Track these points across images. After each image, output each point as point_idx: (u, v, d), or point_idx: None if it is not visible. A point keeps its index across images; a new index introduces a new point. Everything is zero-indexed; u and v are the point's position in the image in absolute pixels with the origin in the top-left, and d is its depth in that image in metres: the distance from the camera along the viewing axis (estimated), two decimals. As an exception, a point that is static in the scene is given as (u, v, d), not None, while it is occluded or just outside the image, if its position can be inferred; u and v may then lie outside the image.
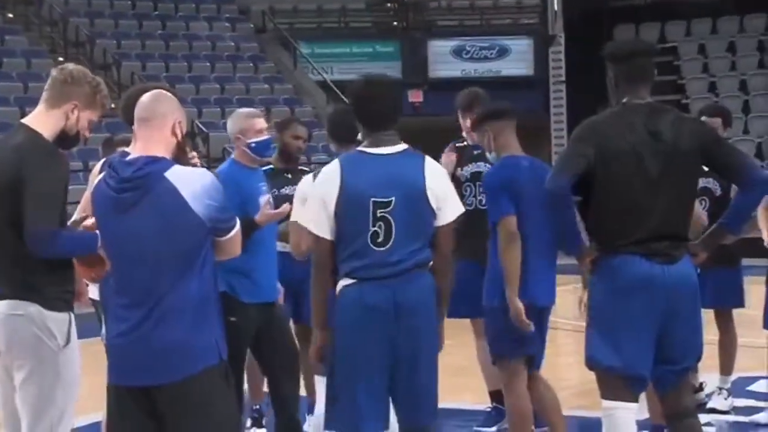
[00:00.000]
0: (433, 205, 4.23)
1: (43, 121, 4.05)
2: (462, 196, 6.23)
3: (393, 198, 4.17)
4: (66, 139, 4.11)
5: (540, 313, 5.23)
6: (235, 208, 5.21)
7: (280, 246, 5.57)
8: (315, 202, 4.27)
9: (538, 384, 5.37)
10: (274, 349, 5.42)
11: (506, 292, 5.07)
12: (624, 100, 4.42)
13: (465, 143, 6.43)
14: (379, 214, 4.16)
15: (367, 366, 4.19)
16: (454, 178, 6.02)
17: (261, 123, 5.44)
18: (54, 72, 4.12)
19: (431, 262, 4.31)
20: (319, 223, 4.24)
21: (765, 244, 6.58)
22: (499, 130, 5.27)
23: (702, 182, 6.37)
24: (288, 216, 5.04)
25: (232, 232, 3.72)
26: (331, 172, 4.27)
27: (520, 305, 5.04)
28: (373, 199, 4.17)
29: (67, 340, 3.98)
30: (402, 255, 4.18)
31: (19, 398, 3.98)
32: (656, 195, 4.30)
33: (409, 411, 4.28)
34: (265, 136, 5.43)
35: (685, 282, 4.33)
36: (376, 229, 4.16)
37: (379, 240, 4.17)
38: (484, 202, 5.74)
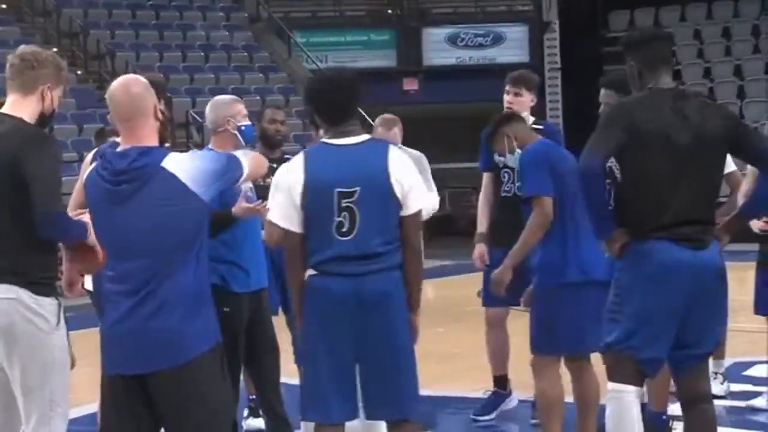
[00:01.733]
0: (398, 194, 4.23)
1: (22, 109, 4.09)
2: (500, 183, 6.25)
3: (357, 188, 4.18)
4: (45, 120, 4.17)
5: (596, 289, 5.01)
6: (215, 199, 5.23)
7: None
8: (282, 194, 4.29)
9: (581, 374, 5.25)
10: (257, 335, 5.45)
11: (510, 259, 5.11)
12: (649, 86, 4.45)
13: None
14: (343, 204, 4.18)
15: (332, 356, 4.20)
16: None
17: (244, 108, 5.46)
18: (14, 59, 4.13)
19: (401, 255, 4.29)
20: (287, 216, 4.27)
21: (755, 230, 6.60)
22: (517, 130, 5.35)
23: None
24: None
25: (246, 171, 3.82)
26: (296, 164, 4.30)
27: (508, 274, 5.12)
28: (337, 189, 4.18)
29: (57, 321, 4.02)
30: (367, 245, 4.19)
31: (15, 380, 4.01)
32: (684, 178, 4.33)
33: (375, 404, 4.27)
34: (248, 122, 5.45)
35: (713, 268, 4.36)
36: (341, 219, 4.18)
37: (344, 230, 4.19)
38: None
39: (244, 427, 6.34)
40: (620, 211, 4.41)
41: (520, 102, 6.24)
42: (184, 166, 3.64)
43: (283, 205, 4.27)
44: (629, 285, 4.36)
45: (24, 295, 3.96)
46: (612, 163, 4.42)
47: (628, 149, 4.32)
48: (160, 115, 3.74)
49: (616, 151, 4.34)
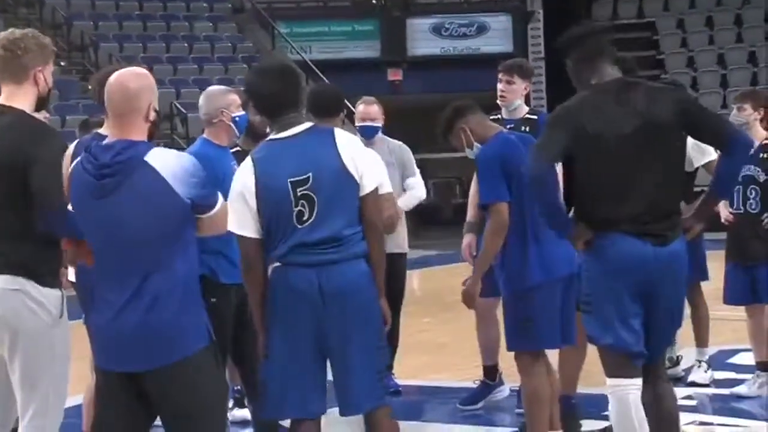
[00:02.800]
0: (354, 174, 4.16)
1: (19, 98, 4.07)
2: None
3: (309, 174, 4.12)
4: (43, 101, 4.17)
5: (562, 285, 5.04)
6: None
7: None
8: (236, 200, 4.18)
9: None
10: (244, 325, 5.46)
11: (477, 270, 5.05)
12: (592, 83, 4.42)
13: (498, 116, 6.32)
14: (299, 193, 4.11)
15: (296, 350, 4.14)
16: None
17: (238, 98, 5.45)
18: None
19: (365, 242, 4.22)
20: (242, 221, 4.17)
21: (722, 220, 6.64)
22: (471, 123, 5.17)
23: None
24: None
25: (216, 208, 3.72)
26: (245, 167, 4.23)
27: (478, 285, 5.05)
28: (290, 179, 4.12)
29: (60, 314, 4.01)
30: (327, 229, 4.12)
31: (15, 371, 4.00)
32: (640, 171, 4.30)
33: (344, 395, 4.21)
34: (242, 112, 5.44)
35: (675, 263, 4.35)
36: (300, 208, 4.12)
37: (304, 218, 4.12)
38: None
39: (230, 418, 6.35)
40: (579, 207, 4.40)
41: (512, 90, 6.20)
42: (168, 162, 3.61)
43: (238, 210, 4.15)
44: (594, 279, 4.37)
45: (29, 286, 3.95)
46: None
47: (578, 150, 4.30)
48: (153, 116, 3.71)
49: (564, 154, 4.32)
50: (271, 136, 4.31)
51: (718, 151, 4.53)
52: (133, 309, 3.59)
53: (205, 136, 5.49)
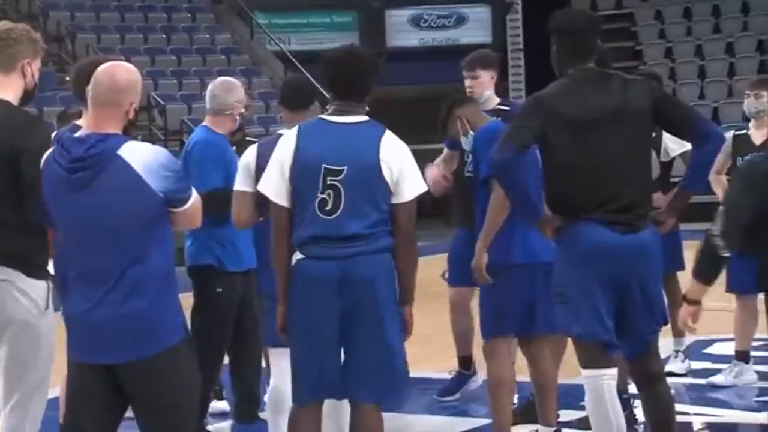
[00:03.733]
0: (388, 180, 4.16)
1: (6, 89, 4.07)
2: (464, 164, 6.18)
3: (345, 167, 4.12)
4: (29, 95, 4.16)
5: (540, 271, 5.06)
6: (220, 178, 5.29)
7: None
8: (274, 168, 4.23)
9: (537, 356, 5.21)
10: (244, 314, 5.50)
11: (478, 244, 5.03)
12: (569, 72, 4.44)
13: None
14: (329, 182, 4.12)
15: (317, 339, 4.16)
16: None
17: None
18: None
19: (392, 242, 4.23)
20: (277, 190, 4.21)
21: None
22: (470, 113, 5.32)
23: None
24: None
25: (189, 203, 3.70)
26: (289, 137, 4.26)
27: (484, 259, 5.00)
28: (324, 165, 4.13)
29: (46, 306, 4.02)
30: (349, 227, 4.12)
31: (0, 361, 4.00)
32: (611, 160, 4.32)
33: (353, 387, 4.22)
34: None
35: (644, 251, 4.35)
36: (324, 196, 4.12)
37: (327, 208, 4.12)
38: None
39: (209, 410, 6.34)
40: (550, 195, 4.42)
41: (479, 84, 6.21)
42: (141, 155, 3.59)
43: (274, 177, 4.21)
44: (565, 267, 4.39)
45: (15, 276, 3.95)
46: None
47: (551, 136, 4.32)
48: (132, 115, 3.69)
49: (534, 141, 4.33)
50: (323, 116, 4.32)
51: (690, 143, 4.56)
52: (108, 302, 3.58)
53: (207, 124, 5.60)
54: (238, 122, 5.61)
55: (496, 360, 5.13)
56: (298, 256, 4.21)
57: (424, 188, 4.28)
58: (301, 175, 4.15)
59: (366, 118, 4.30)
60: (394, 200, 4.19)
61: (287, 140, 4.25)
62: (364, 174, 4.14)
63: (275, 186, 4.21)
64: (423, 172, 6.08)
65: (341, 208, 4.12)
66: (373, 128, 4.28)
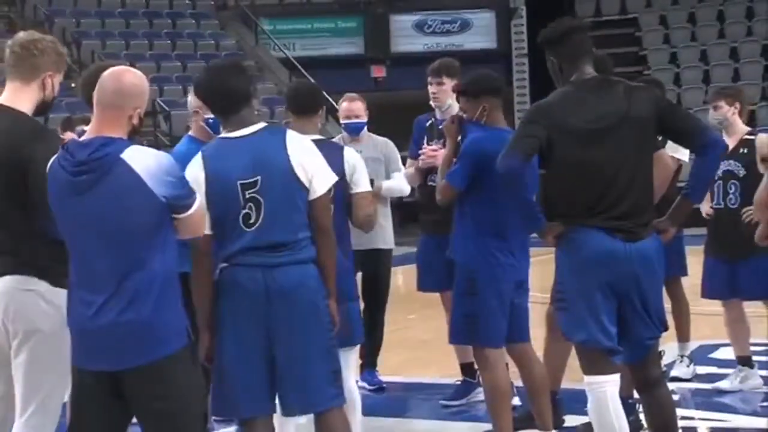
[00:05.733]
0: (303, 179, 4.14)
1: (22, 98, 4.07)
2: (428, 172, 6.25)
3: (258, 177, 4.10)
4: (45, 107, 4.17)
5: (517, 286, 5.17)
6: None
7: None
8: None
9: (525, 359, 5.24)
10: None
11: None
12: (572, 79, 4.44)
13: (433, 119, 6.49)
14: (248, 195, 4.09)
15: (243, 349, 4.10)
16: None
17: None
18: (15, 47, 4.10)
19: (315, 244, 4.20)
20: None
21: (704, 215, 6.67)
22: (494, 106, 5.22)
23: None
24: None
25: (193, 209, 3.71)
26: (195, 163, 4.20)
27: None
28: (239, 181, 4.10)
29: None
30: (274, 234, 4.10)
31: (19, 368, 3.99)
32: (614, 167, 4.32)
33: (288, 396, 4.17)
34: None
35: (644, 259, 4.35)
36: (247, 210, 4.09)
37: (251, 221, 4.10)
38: None
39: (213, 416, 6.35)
40: (552, 202, 4.42)
41: (443, 91, 6.35)
42: (144, 160, 3.59)
43: None
44: (566, 273, 4.40)
45: (41, 286, 3.95)
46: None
47: (553, 145, 4.32)
48: (136, 120, 3.69)
49: (537, 149, 4.33)
50: (223, 134, 4.28)
51: (693, 152, 4.57)
52: (111, 307, 3.57)
53: (191, 133, 5.58)
54: (213, 130, 5.38)
55: (487, 367, 5.14)
56: (222, 265, 4.16)
57: (334, 179, 4.25)
58: (219, 197, 4.10)
59: (263, 124, 4.26)
60: (311, 197, 4.17)
61: (194, 167, 4.17)
62: (279, 179, 4.11)
63: None
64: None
65: (262, 216, 4.10)
66: (274, 131, 4.26)
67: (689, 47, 23.68)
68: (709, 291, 6.71)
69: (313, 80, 10.43)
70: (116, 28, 21.92)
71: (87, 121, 4.81)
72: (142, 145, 3.77)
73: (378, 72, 23.76)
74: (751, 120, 19.39)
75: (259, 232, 4.09)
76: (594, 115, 4.33)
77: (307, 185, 4.15)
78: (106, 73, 3.73)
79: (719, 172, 6.44)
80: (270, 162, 4.12)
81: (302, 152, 4.18)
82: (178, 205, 3.65)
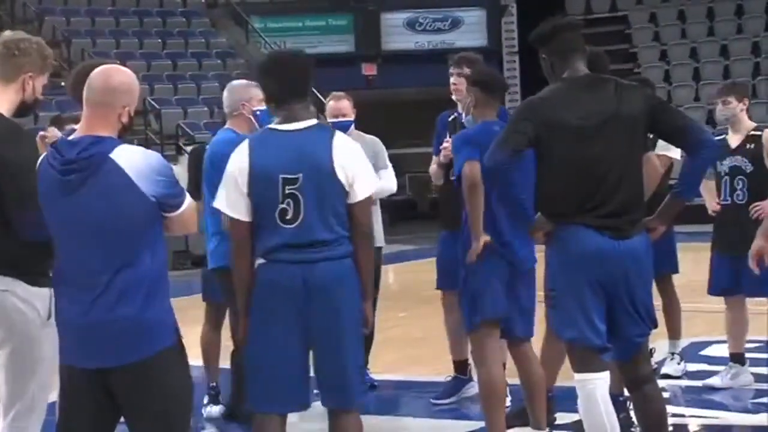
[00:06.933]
0: (344, 182, 4.17)
1: (1, 97, 4.04)
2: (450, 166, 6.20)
3: (300, 174, 4.13)
4: (26, 108, 4.14)
5: (518, 275, 5.11)
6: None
7: None
8: (228, 182, 4.22)
9: (523, 358, 5.23)
10: None
11: (472, 234, 5.01)
12: (563, 77, 4.44)
13: (455, 114, 6.41)
14: (287, 191, 4.12)
15: (282, 345, 4.15)
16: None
17: (260, 93, 5.55)
18: None
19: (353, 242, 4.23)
20: (234, 204, 4.20)
21: (710, 212, 6.67)
22: (485, 102, 5.23)
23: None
24: None
25: (183, 207, 3.70)
26: (241, 150, 4.24)
27: (482, 240, 4.96)
28: (281, 175, 4.13)
29: (49, 315, 3.99)
30: (312, 233, 4.13)
31: (0, 371, 3.99)
32: (605, 164, 4.32)
33: (327, 391, 4.24)
34: (263, 106, 5.54)
35: (634, 256, 4.35)
36: (284, 206, 4.12)
37: (288, 217, 4.13)
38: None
39: (204, 414, 6.35)
40: (542, 199, 4.43)
41: (464, 82, 6.26)
42: (133, 159, 3.58)
43: (230, 192, 4.20)
44: (556, 271, 4.40)
45: (17, 286, 3.94)
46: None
47: (542, 141, 4.33)
48: (126, 119, 3.68)
49: (526, 145, 4.34)
50: (273, 125, 4.31)
51: (683, 150, 4.57)
52: (98, 306, 3.56)
53: (229, 125, 5.75)
54: (258, 123, 5.59)
55: (482, 363, 5.14)
56: (260, 261, 4.21)
57: (376, 186, 4.31)
58: (260, 187, 4.15)
59: (314, 121, 4.30)
60: (350, 200, 4.20)
61: (239, 154, 4.23)
62: (320, 179, 4.14)
63: (232, 201, 4.20)
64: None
65: (302, 215, 4.13)
66: (323, 131, 4.29)
67: (679, 45, 23.72)
68: (715, 287, 6.67)
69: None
70: (106, 27, 21.87)
71: (77, 120, 4.77)
72: (132, 143, 3.76)
73: (369, 70, 23.76)
74: (741, 117, 19.41)
75: (297, 230, 4.13)
76: (584, 112, 4.33)
77: (347, 188, 4.18)
78: (95, 71, 3.72)
79: (726, 168, 6.48)
80: (313, 160, 4.15)
81: (346, 154, 4.20)
82: (168, 204, 3.64)
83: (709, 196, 6.64)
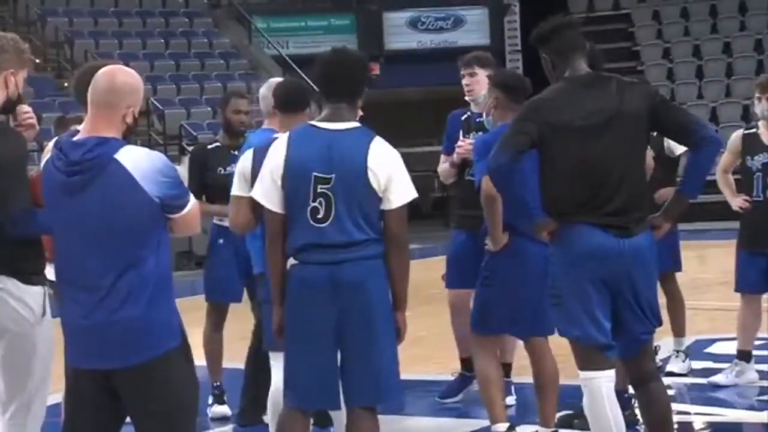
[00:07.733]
0: (376, 188, 4.15)
1: None
2: (467, 167, 6.15)
3: (333, 175, 4.14)
4: (11, 105, 4.14)
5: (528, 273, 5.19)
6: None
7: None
8: (266, 175, 4.26)
9: (539, 354, 5.28)
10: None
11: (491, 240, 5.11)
12: (565, 76, 4.44)
13: (468, 113, 6.39)
14: (319, 190, 4.13)
15: (311, 345, 4.18)
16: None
17: None
18: None
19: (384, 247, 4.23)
20: (268, 195, 4.23)
21: (735, 209, 6.62)
22: (507, 104, 5.25)
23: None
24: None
25: (187, 209, 3.70)
26: (280, 144, 4.28)
27: (501, 245, 5.09)
28: (314, 173, 4.15)
29: (43, 312, 4.01)
30: (342, 234, 4.14)
31: None
32: (608, 163, 4.32)
33: (357, 390, 4.23)
34: None
35: (638, 254, 4.35)
36: (316, 204, 4.14)
37: (319, 216, 4.15)
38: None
39: (209, 414, 6.35)
40: (546, 197, 4.43)
41: (477, 82, 6.24)
42: (137, 160, 3.58)
43: (267, 185, 4.23)
44: (559, 270, 4.41)
45: (10, 284, 3.94)
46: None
47: (546, 141, 4.33)
48: (130, 119, 3.68)
49: (529, 146, 4.35)
50: (314, 122, 4.32)
51: (686, 147, 4.57)
52: (103, 307, 3.57)
53: (268, 125, 5.61)
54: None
55: (476, 354, 5.27)
56: (292, 261, 4.24)
57: (413, 195, 4.26)
58: (293, 182, 4.17)
59: (356, 123, 4.29)
60: (384, 207, 4.19)
61: (278, 147, 4.27)
62: (352, 182, 4.15)
63: (268, 192, 4.24)
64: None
65: (332, 216, 4.14)
66: (363, 134, 4.27)
67: (682, 42, 23.70)
68: (743, 284, 6.59)
69: (306, 78, 10.43)
70: (109, 28, 21.87)
71: (80, 121, 4.79)
72: (136, 144, 3.77)
73: (372, 69, 23.73)
74: (746, 115, 19.42)
75: (328, 231, 4.14)
76: (587, 111, 4.33)
77: (379, 193, 4.17)
78: (99, 72, 3.72)
79: (758, 165, 6.44)
80: (347, 162, 4.16)
81: (382, 160, 4.19)
82: (172, 205, 3.65)
83: (730, 192, 6.60)
